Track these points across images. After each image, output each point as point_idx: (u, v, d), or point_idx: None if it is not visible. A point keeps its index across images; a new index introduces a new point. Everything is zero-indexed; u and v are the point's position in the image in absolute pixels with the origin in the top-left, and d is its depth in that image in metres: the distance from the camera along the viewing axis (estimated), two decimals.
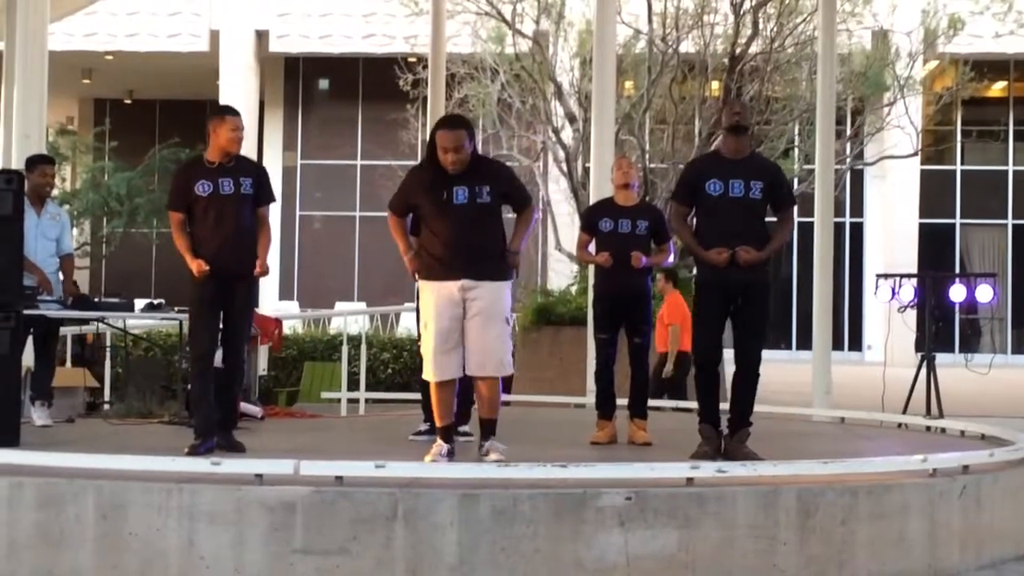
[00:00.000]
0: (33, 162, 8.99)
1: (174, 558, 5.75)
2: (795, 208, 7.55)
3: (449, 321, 6.70)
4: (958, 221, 31.02)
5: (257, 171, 7.51)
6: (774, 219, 7.36)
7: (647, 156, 18.88)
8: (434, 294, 6.73)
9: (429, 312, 6.74)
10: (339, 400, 11.19)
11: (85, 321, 10.24)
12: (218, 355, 7.41)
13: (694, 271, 7.62)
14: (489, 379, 6.77)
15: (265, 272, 7.30)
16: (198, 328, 7.28)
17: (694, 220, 7.37)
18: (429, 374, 6.77)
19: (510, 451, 6.74)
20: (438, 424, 6.87)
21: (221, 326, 7.39)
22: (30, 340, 8.59)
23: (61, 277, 9.01)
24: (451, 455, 6.76)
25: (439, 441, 6.82)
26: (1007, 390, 17.66)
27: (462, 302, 6.70)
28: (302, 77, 32.20)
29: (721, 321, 7.17)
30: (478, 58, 20.59)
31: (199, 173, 7.29)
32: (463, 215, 6.69)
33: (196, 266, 7.16)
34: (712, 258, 7.06)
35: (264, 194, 7.43)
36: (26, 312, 7.76)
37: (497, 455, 6.67)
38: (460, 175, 6.71)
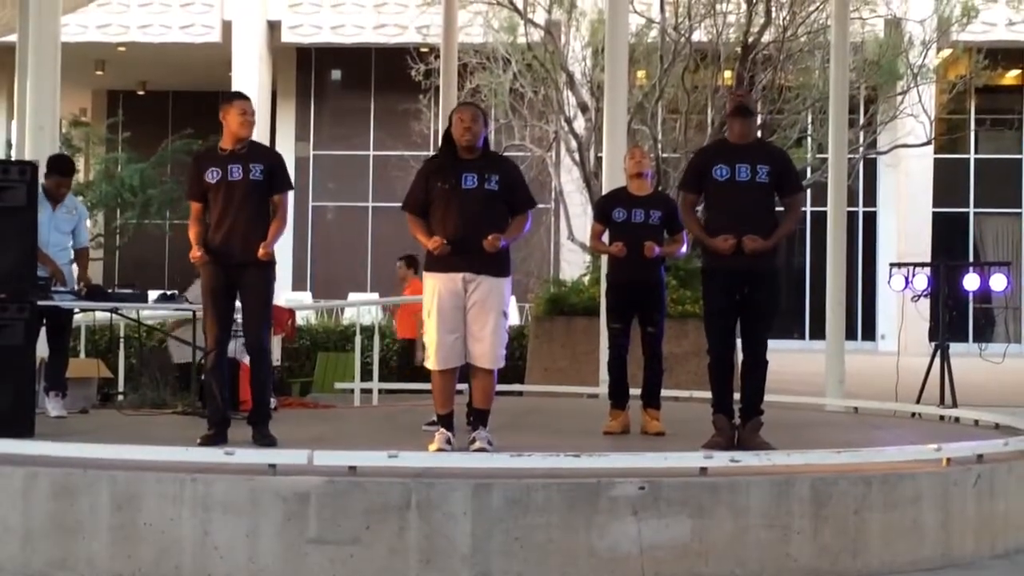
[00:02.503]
0: (50, 170, 8.90)
1: (188, 548, 5.77)
2: (803, 195, 7.53)
3: (452, 311, 6.78)
4: (972, 210, 30.90)
5: (271, 158, 7.36)
6: (782, 209, 7.35)
7: (659, 146, 18.84)
8: (438, 284, 6.82)
9: (432, 302, 6.82)
10: (352, 390, 11.20)
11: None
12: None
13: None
14: (483, 370, 6.84)
15: (267, 255, 7.08)
16: (209, 318, 7.20)
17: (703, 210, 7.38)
18: (431, 362, 6.85)
19: (523, 441, 6.75)
20: (439, 412, 6.91)
21: (239, 316, 7.37)
22: (43, 331, 8.61)
23: (75, 269, 9.02)
24: (450, 443, 6.78)
25: (441, 429, 6.85)
26: (1021, 379, 17.59)
27: (464, 293, 6.79)
28: (314, 68, 32.20)
29: (731, 310, 7.14)
30: (490, 48, 20.56)
31: (210, 161, 7.23)
32: (471, 200, 6.77)
33: (193, 252, 7.12)
34: (719, 246, 7.04)
35: (278, 181, 7.28)
36: (40, 303, 7.77)
37: (482, 444, 6.72)
38: (471, 163, 6.83)
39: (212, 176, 7.15)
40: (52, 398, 8.68)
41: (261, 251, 7.09)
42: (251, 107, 7.27)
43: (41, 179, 8.81)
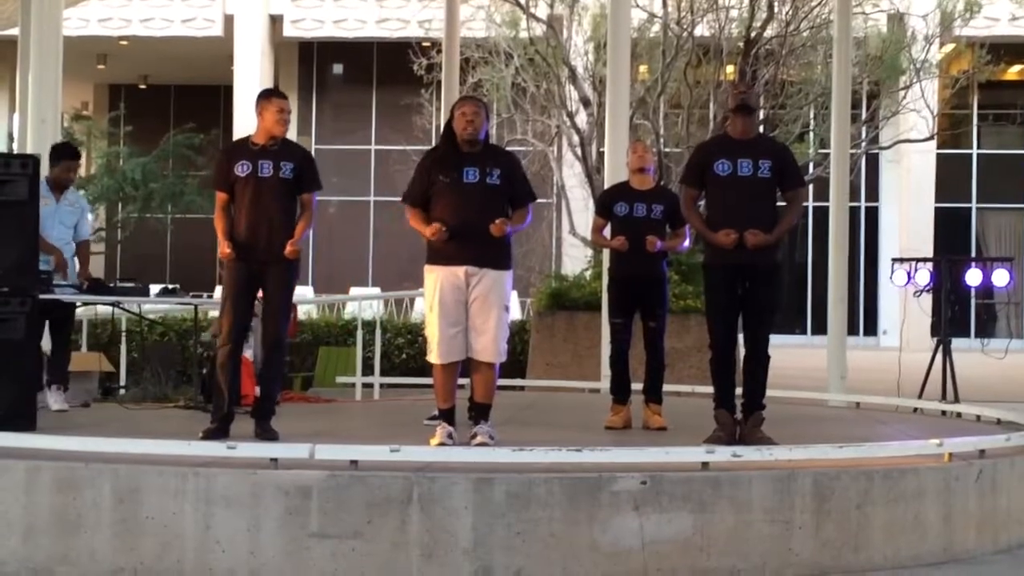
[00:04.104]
0: (59, 156, 8.94)
1: (190, 542, 5.77)
2: (804, 190, 7.52)
3: (454, 304, 6.77)
4: (974, 205, 30.88)
5: (302, 157, 7.31)
6: (784, 204, 7.34)
7: (662, 140, 18.83)
8: (440, 277, 6.80)
9: (434, 295, 6.80)
10: (354, 385, 11.21)
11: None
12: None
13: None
14: (484, 364, 6.83)
15: (295, 253, 7.08)
16: (226, 312, 7.15)
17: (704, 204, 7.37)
18: (433, 356, 6.83)
19: (524, 436, 6.75)
20: (441, 406, 6.91)
21: (259, 313, 7.36)
22: (46, 325, 8.60)
23: (77, 263, 9.03)
24: (451, 437, 6.77)
25: (443, 424, 6.85)
26: (1023, 374, 17.58)
27: (466, 286, 6.78)
28: (316, 62, 32.19)
29: (733, 305, 7.13)
30: (492, 42, 20.54)
31: (241, 154, 7.18)
32: (472, 193, 6.76)
33: (221, 248, 7.10)
34: (721, 241, 7.02)
35: (308, 181, 7.25)
36: (41, 297, 7.76)
37: (483, 438, 6.72)
38: (472, 156, 6.81)
39: (242, 169, 7.11)
40: (54, 391, 8.68)
41: (289, 248, 7.08)
42: (288, 106, 7.25)
43: (45, 172, 8.85)
